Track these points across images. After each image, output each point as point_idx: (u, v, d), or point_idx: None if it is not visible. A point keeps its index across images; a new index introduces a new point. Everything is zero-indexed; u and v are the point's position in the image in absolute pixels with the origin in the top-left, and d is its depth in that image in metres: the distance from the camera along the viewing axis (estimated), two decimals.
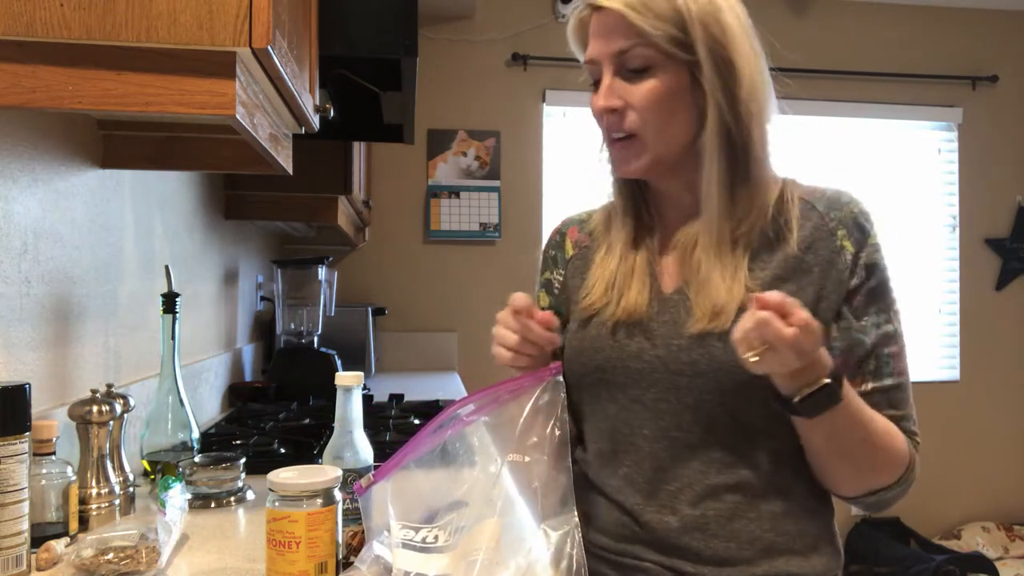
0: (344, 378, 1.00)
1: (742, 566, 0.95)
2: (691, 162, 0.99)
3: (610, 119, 0.99)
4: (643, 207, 1.07)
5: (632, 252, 1.05)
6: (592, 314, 1.04)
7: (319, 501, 0.85)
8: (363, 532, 0.92)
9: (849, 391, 0.90)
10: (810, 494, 0.99)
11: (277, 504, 0.85)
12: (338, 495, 0.88)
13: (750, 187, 0.98)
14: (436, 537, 0.84)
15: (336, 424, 1.01)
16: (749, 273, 0.96)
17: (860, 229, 0.97)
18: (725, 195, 0.97)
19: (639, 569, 0.98)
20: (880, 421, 0.94)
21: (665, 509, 0.97)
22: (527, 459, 0.87)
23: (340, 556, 0.87)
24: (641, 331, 0.99)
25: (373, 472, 0.90)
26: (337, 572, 0.86)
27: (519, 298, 0.97)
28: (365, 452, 1.01)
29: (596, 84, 1.01)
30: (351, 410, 1.01)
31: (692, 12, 0.94)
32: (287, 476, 0.86)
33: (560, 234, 1.16)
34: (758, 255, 0.98)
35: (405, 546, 0.84)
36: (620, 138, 0.99)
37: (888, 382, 0.96)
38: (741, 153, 0.96)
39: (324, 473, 0.88)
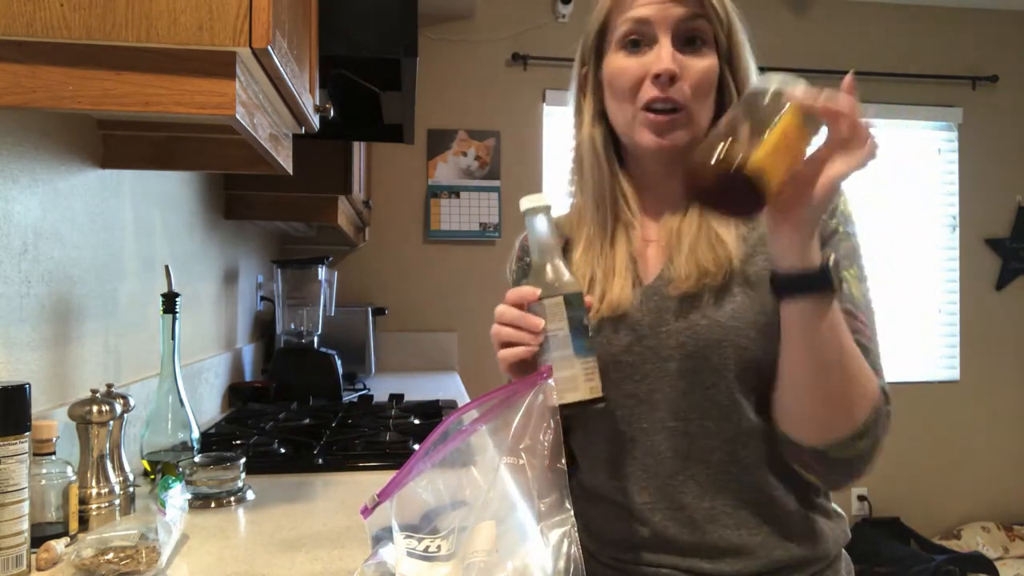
0: (529, 201, 0.91)
1: (758, 552, 0.94)
2: None
3: (664, 86, 0.94)
4: (622, 201, 1.04)
5: (611, 248, 1.02)
6: None
7: None
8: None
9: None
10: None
11: None
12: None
13: None
14: (439, 547, 0.85)
15: (534, 255, 0.92)
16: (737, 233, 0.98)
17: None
18: None
19: None
20: (852, 342, 0.87)
21: (673, 505, 0.96)
22: (522, 462, 0.87)
23: None
24: (626, 325, 0.98)
25: (379, 492, 0.89)
26: None
27: (523, 292, 0.89)
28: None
29: (632, 44, 0.97)
30: (541, 235, 0.91)
31: (727, 7, 0.98)
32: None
33: None
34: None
35: (409, 555, 0.84)
36: (667, 109, 0.96)
37: (848, 307, 0.91)
38: None
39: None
